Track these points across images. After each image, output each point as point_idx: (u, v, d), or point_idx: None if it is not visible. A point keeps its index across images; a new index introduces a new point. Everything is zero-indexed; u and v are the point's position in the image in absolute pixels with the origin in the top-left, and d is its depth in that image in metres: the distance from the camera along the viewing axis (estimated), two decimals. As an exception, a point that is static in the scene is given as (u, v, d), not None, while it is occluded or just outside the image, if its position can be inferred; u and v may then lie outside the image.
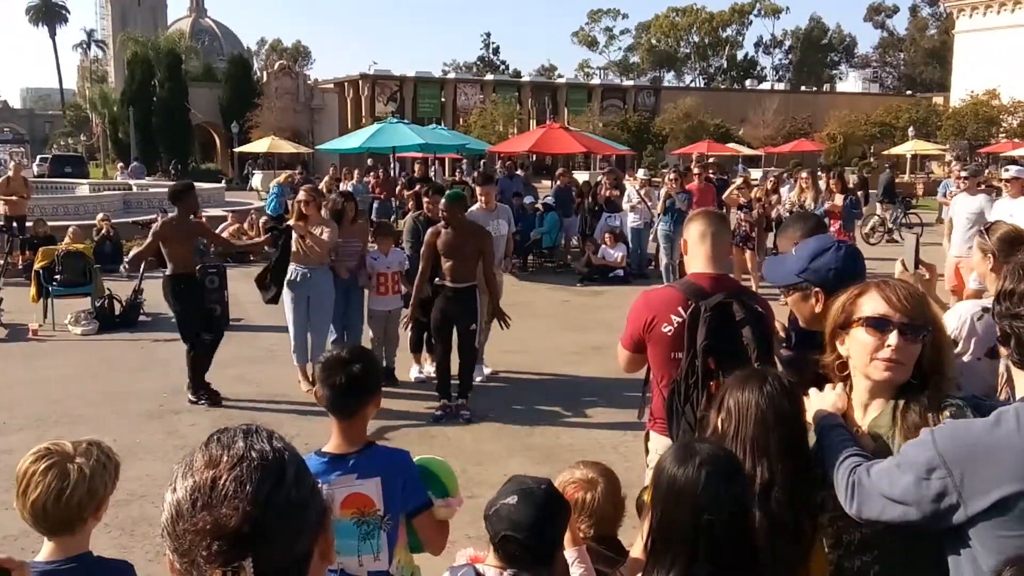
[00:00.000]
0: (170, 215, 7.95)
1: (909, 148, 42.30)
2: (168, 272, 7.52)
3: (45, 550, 2.17)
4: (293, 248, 7.59)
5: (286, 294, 7.79)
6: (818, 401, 2.20)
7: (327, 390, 2.62)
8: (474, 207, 8.48)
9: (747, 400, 2.16)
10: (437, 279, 7.29)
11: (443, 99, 53.81)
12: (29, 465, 2.13)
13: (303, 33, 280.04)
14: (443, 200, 7.34)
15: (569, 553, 2.41)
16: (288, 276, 7.67)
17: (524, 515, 2.15)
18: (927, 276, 3.93)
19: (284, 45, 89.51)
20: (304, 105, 50.59)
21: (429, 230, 7.35)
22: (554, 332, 10.54)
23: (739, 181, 14.23)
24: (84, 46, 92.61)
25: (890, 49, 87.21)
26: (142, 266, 9.22)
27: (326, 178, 20.05)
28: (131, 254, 8.33)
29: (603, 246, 14.79)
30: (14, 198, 15.32)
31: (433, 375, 7.80)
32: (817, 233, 3.84)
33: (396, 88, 52.15)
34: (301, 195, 7.99)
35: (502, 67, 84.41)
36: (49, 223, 14.91)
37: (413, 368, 8.35)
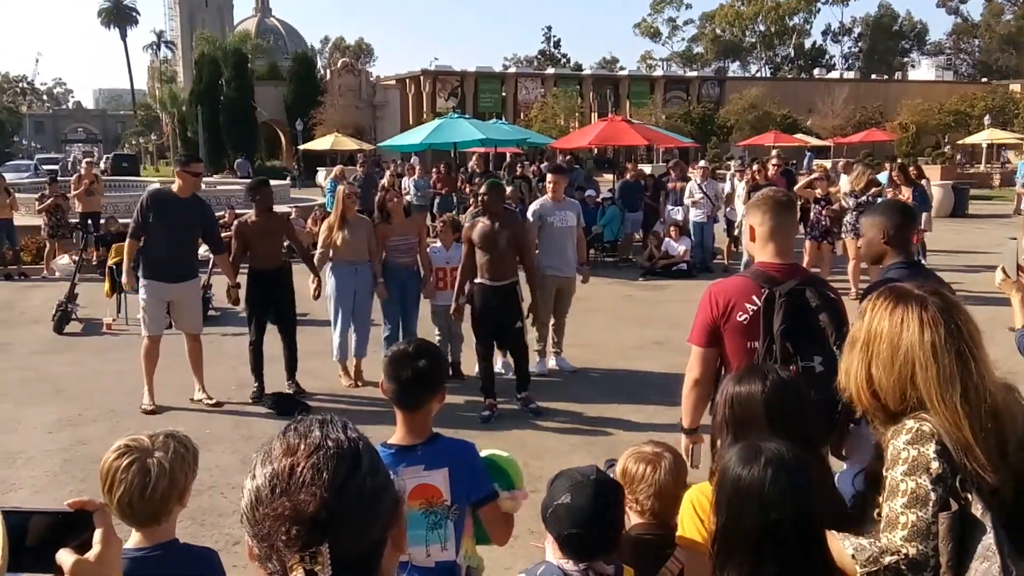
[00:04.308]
0: (247, 214, 8.04)
1: (985, 137, 40.95)
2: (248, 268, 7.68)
3: (134, 538, 2.23)
4: (339, 245, 7.73)
5: (331, 289, 7.86)
6: None
7: (393, 383, 2.64)
8: (543, 198, 8.47)
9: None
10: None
11: (504, 94, 53.79)
12: (111, 462, 2.18)
13: (366, 31, 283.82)
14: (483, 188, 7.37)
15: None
16: (335, 272, 7.81)
17: (582, 510, 2.15)
18: None
19: (347, 43, 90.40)
20: (366, 102, 51.07)
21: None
22: (616, 327, 10.47)
23: (817, 173, 13.92)
24: (154, 47, 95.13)
25: (964, 35, 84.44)
26: (211, 263, 9.40)
27: (387, 174, 20.21)
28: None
29: (667, 239, 14.63)
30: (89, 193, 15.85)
31: (500, 370, 7.83)
32: (906, 221, 3.75)
33: (457, 83, 52.33)
34: (341, 191, 8.06)
35: (563, 60, 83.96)
36: (121, 220, 15.31)
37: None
